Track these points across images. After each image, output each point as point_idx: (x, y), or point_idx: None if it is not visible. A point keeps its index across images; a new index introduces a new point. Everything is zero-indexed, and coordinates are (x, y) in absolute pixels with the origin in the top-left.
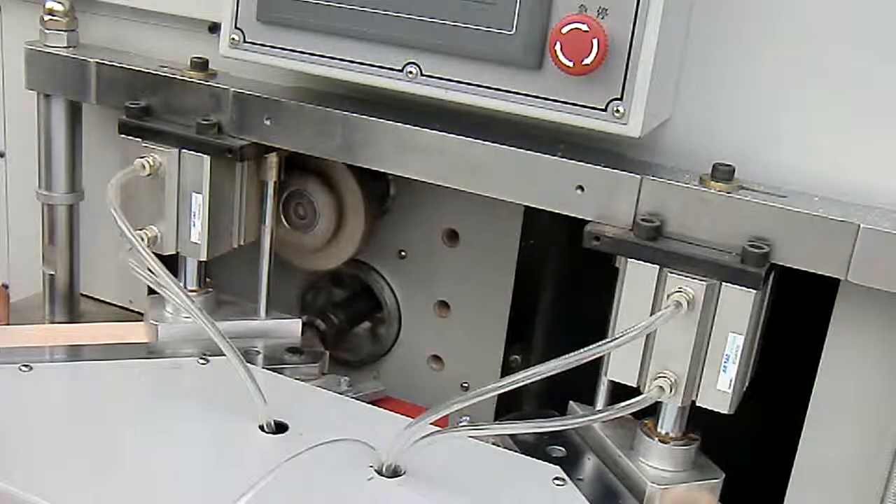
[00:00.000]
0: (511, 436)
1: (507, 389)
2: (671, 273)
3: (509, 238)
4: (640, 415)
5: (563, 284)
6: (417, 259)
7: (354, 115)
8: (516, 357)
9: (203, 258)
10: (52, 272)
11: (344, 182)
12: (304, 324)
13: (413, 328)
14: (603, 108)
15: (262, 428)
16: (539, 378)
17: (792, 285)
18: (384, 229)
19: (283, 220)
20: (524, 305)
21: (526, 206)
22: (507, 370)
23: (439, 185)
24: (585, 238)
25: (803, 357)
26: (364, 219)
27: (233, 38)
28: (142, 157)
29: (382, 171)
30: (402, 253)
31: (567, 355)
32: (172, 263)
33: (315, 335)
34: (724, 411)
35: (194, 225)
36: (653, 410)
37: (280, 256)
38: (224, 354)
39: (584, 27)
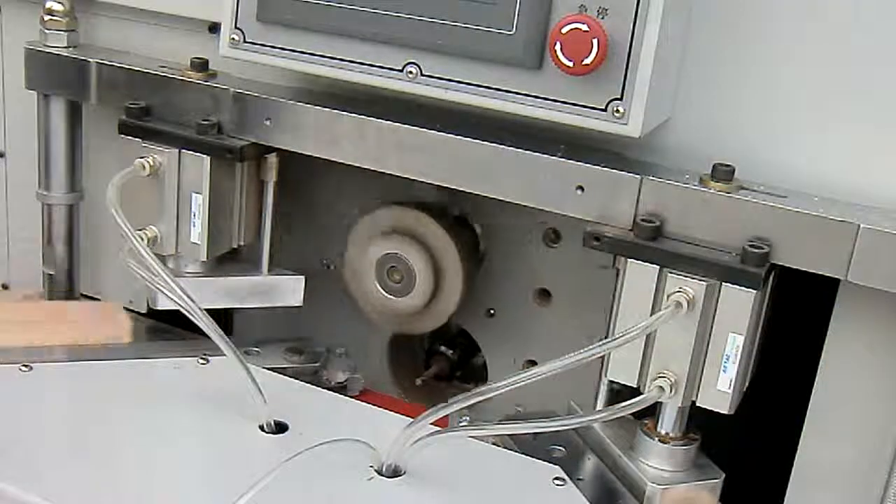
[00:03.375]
0: (511, 436)
1: (507, 389)
2: (671, 273)
3: (602, 299)
4: (640, 415)
5: None
6: (506, 318)
7: (354, 115)
8: None
9: (203, 258)
10: (52, 272)
11: (438, 242)
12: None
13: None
14: (603, 108)
15: (262, 428)
16: (539, 378)
17: (792, 285)
18: (472, 287)
19: (378, 286)
20: None
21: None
22: None
23: (530, 243)
24: (585, 238)
25: (803, 357)
26: (462, 279)
27: (233, 38)
28: (142, 157)
29: (474, 227)
30: (491, 311)
31: (568, 355)
32: None
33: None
34: (724, 411)
35: (194, 225)
36: (653, 410)
37: (374, 321)
38: (224, 354)
39: (584, 27)
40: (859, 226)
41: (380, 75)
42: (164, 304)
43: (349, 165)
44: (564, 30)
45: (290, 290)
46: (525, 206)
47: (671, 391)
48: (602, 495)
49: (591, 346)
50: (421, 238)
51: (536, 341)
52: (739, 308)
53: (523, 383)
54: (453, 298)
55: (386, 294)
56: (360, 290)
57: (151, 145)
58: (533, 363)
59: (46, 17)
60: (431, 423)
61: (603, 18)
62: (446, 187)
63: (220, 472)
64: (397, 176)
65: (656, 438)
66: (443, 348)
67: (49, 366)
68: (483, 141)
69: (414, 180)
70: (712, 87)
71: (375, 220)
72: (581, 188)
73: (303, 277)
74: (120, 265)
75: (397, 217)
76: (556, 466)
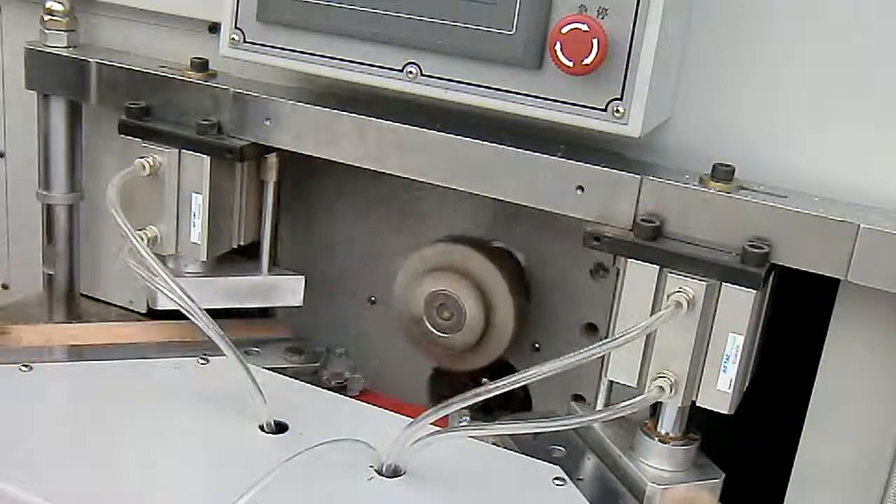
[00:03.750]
0: (511, 436)
1: (507, 389)
2: (671, 273)
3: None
4: (640, 414)
5: None
6: (552, 352)
7: (354, 115)
8: None
9: (203, 258)
10: (52, 272)
11: (488, 277)
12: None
13: None
14: (603, 108)
15: (262, 428)
16: (539, 378)
17: (792, 285)
18: (524, 323)
19: (428, 323)
20: None
21: None
22: None
23: (577, 276)
24: (585, 238)
25: (803, 357)
26: (513, 315)
27: (233, 38)
28: (142, 157)
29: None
30: (536, 345)
31: (567, 355)
32: None
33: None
34: (724, 411)
35: (194, 225)
36: (653, 410)
37: (423, 357)
38: (224, 354)
39: (584, 27)
40: (859, 226)
41: (380, 75)
42: (164, 304)
43: (398, 204)
44: (564, 30)
45: (290, 290)
46: (572, 241)
47: (671, 391)
48: (602, 495)
49: (591, 346)
50: (470, 274)
51: (583, 376)
52: (739, 308)
53: (523, 384)
54: (505, 336)
55: (436, 332)
56: (409, 327)
57: (151, 145)
58: (580, 398)
59: (46, 17)
60: (431, 423)
61: (603, 18)
62: (489, 220)
63: (220, 472)
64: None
65: (656, 438)
66: (485, 381)
67: (49, 366)
68: (483, 141)
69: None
70: (712, 87)
71: (423, 256)
72: (581, 188)
73: (302, 278)
74: (120, 265)
75: (445, 253)
76: (556, 466)
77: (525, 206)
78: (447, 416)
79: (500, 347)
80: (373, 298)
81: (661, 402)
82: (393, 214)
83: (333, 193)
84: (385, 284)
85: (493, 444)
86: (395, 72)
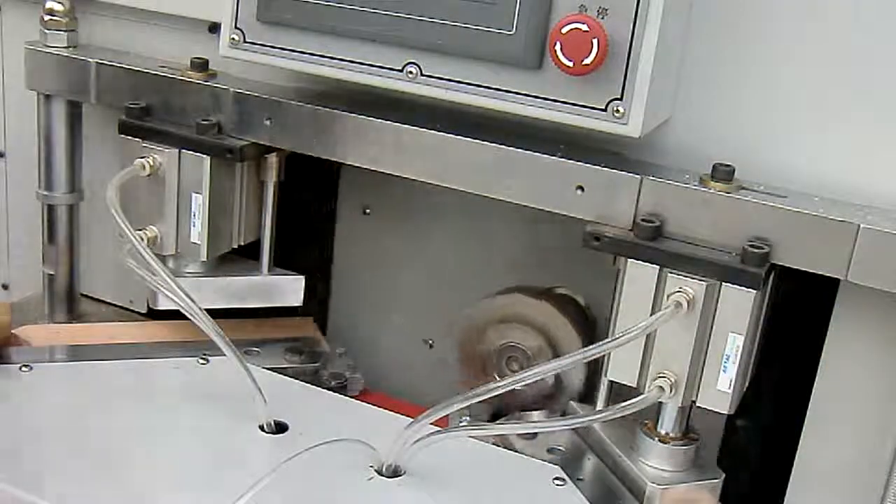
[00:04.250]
0: (511, 436)
1: (506, 390)
2: (671, 273)
3: None
4: (640, 414)
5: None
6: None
7: (354, 115)
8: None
9: (203, 258)
10: (52, 272)
11: (559, 329)
12: None
13: None
14: (603, 108)
15: (262, 428)
16: (539, 378)
17: (792, 285)
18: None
19: (497, 377)
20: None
21: None
22: None
23: None
24: (585, 238)
25: (803, 357)
26: (584, 363)
27: (233, 38)
28: (142, 157)
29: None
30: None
31: (567, 355)
32: None
33: None
34: (724, 411)
35: (194, 225)
36: (653, 410)
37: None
38: (224, 354)
39: (584, 27)
40: (859, 226)
41: (380, 75)
42: (164, 304)
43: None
44: (564, 30)
45: (290, 290)
46: None
47: (671, 391)
48: (602, 495)
49: (591, 346)
50: (536, 324)
51: None
52: (739, 308)
53: (524, 384)
54: (575, 383)
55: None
56: (476, 376)
57: (151, 145)
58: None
59: (46, 17)
60: (431, 423)
61: (603, 18)
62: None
63: (220, 472)
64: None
65: (656, 438)
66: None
67: (49, 366)
68: (483, 141)
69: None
70: (712, 87)
71: (488, 306)
72: (581, 188)
73: (302, 277)
74: (120, 265)
75: (510, 304)
76: (556, 466)
77: (575, 249)
78: (447, 416)
79: (572, 394)
80: (430, 342)
81: (661, 402)
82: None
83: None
84: (444, 329)
85: (493, 444)
86: (395, 72)
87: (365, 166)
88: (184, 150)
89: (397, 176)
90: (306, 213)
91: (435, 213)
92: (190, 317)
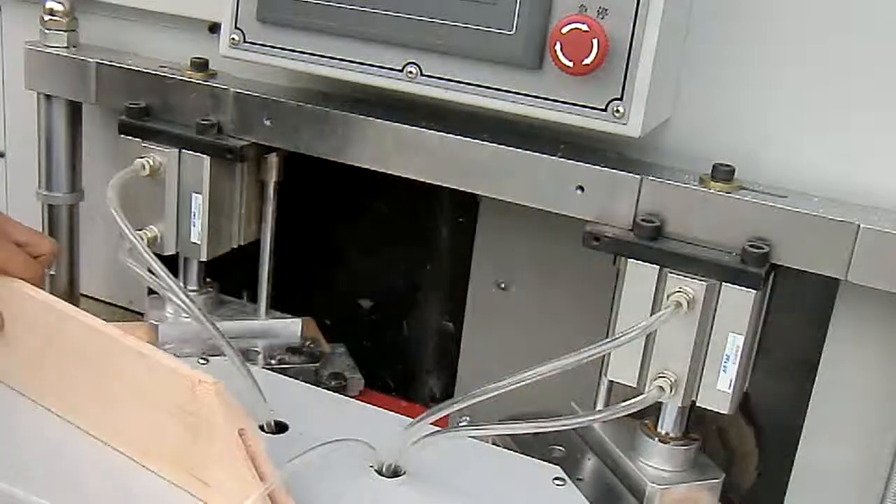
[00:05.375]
0: (511, 436)
1: (506, 390)
2: (671, 273)
3: None
4: (640, 415)
5: None
6: None
7: (354, 115)
8: None
9: (203, 258)
10: (53, 272)
11: (741, 438)
12: None
13: None
14: (603, 108)
15: (262, 428)
16: (539, 378)
17: (792, 285)
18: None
19: None
20: None
21: None
22: None
23: None
24: (585, 238)
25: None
26: (756, 460)
27: (233, 38)
28: (142, 157)
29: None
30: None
31: (567, 355)
32: (173, 264)
33: None
34: (724, 412)
35: (194, 225)
36: (653, 410)
37: None
38: (224, 354)
39: (584, 27)
40: (859, 226)
41: (380, 75)
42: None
43: None
44: (564, 30)
45: (289, 334)
46: None
47: (671, 391)
48: (602, 495)
49: (590, 346)
50: (724, 434)
51: None
52: (739, 308)
53: (523, 384)
54: (748, 480)
55: None
56: None
57: (151, 145)
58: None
59: (46, 17)
60: (431, 423)
61: (603, 18)
62: None
63: None
64: None
65: (656, 438)
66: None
67: None
68: (483, 141)
69: None
70: (712, 87)
71: None
72: (581, 188)
73: (300, 321)
74: (119, 265)
75: None
76: (556, 466)
77: None
78: (447, 416)
79: (750, 479)
80: None
81: (661, 402)
82: None
83: None
84: None
85: (493, 444)
86: (395, 72)
87: (365, 166)
88: (184, 151)
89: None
90: None
91: None
92: (190, 316)
